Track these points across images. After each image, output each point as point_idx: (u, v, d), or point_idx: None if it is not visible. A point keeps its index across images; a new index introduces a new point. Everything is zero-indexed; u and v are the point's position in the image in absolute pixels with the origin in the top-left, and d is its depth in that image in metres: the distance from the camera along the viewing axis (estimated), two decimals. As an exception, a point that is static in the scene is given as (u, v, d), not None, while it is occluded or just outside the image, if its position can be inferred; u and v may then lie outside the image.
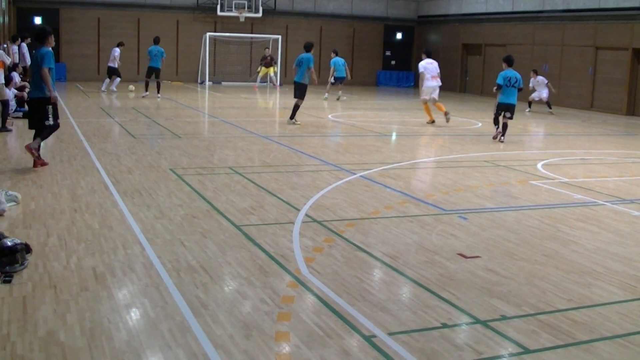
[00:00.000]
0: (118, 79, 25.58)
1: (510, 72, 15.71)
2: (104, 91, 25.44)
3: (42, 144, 10.86)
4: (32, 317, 4.93)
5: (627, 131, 20.19)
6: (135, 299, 5.39)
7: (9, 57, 20.68)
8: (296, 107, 17.77)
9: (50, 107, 10.31)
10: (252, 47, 33.96)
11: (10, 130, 14.29)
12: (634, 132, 19.78)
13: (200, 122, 18.22)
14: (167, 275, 5.90)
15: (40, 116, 10.35)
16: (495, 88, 15.97)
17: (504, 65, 15.99)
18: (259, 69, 31.21)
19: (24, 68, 21.33)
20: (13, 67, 18.64)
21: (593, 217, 8.73)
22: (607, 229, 8.15)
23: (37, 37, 10.38)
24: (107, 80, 25.67)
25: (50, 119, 10.36)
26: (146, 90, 24.00)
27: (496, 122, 16.04)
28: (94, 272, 5.92)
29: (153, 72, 23.73)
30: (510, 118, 15.87)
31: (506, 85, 15.62)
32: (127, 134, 14.70)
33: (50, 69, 10.16)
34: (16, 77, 17.71)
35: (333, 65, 26.06)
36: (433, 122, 19.01)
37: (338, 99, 26.12)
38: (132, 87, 26.81)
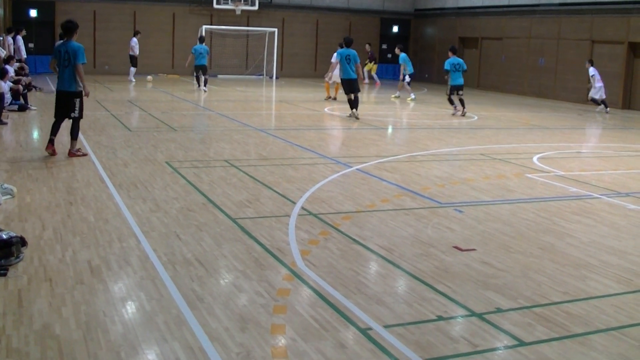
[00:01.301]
0: (133, 69, 27.47)
1: (455, 59, 19.23)
2: (132, 81, 27.29)
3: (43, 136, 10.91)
4: (28, 310, 4.92)
5: (623, 125, 20.21)
6: (130, 292, 5.39)
7: (4, 49, 20.65)
8: (357, 100, 17.86)
9: (78, 100, 10.91)
10: (248, 40, 33.89)
11: (5, 124, 14.25)
12: (630, 126, 19.80)
13: (196, 115, 18.18)
14: (163, 268, 5.90)
15: (68, 109, 10.91)
16: (445, 74, 19.36)
17: (449, 53, 19.54)
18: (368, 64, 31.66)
19: (19, 61, 21.27)
20: (8, 59, 18.58)
21: (588, 211, 8.74)
22: (602, 222, 8.16)
23: (66, 30, 10.77)
24: (133, 69, 27.56)
25: (77, 111, 10.96)
26: (199, 85, 25.10)
27: (451, 101, 19.68)
28: (90, 265, 5.92)
29: (200, 70, 24.56)
30: (462, 94, 19.53)
31: (453, 70, 19.05)
32: (123, 127, 14.67)
33: (84, 63, 10.77)
34: (11, 70, 17.64)
35: (403, 61, 24.07)
36: (333, 98, 21.89)
37: (398, 97, 25.22)
38: (150, 77, 28.43)
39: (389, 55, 37.51)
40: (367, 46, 31.96)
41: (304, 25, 34.96)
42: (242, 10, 32.67)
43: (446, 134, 15.77)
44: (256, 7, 32.77)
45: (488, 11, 31.64)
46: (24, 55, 22.61)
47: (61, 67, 10.69)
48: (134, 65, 27.28)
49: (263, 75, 33.31)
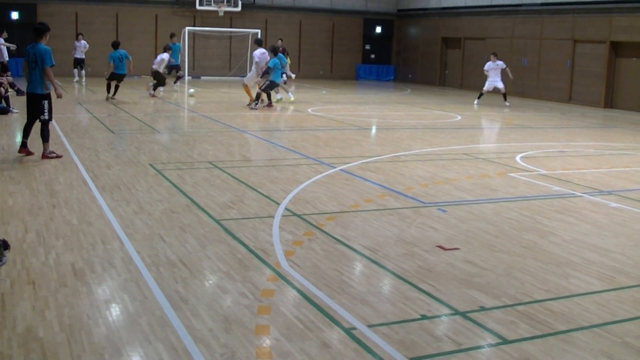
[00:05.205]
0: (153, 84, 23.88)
1: (280, 58, 20.00)
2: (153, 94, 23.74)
3: (23, 139, 10.91)
4: (11, 314, 4.89)
5: (605, 124, 20.36)
6: (114, 294, 5.37)
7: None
8: (117, 88, 21.00)
9: (46, 102, 10.89)
10: (231, 42, 33.84)
11: (-13, 126, 14.15)
12: (612, 125, 19.96)
13: (179, 117, 18.14)
14: (147, 270, 5.88)
15: (37, 111, 10.89)
16: (269, 71, 19.80)
17: (271, 54, 20.05)
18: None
19: (1, 63, 21.11)
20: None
21: (571, 209, 8.80)
22: (584, 221, 8.22)
23: (36, 32, 10.80)
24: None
25: (46, 113, 10.93)
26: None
27: (259, 95, 19.95)
28: (73, 268, 5.89)
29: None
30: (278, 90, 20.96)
31: (276, 68, 19.73)
32: (106, 129, 14.60)
33: (52, 66, 10.76)
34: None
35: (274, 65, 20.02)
36: (269, 103, 20.80)
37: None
38: (192, 90, 25.13)
39: (373, 56, 37.61)
40: (279, 41, 28.32)
41: (287, 26, 34.94)
42: (225, 12, 32.61)
43: (429, 134, 15.82)
44: (239, 8, 32.72)
45: (471, 11, 31.79)
46: (5, 57, 22.44)
47: (29, 69, 10.74)
48: (160, 83, 22.77)
49: (246, 76, 33.21)
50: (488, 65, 23.64)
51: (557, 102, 26.45)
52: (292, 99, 22.33)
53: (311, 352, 4.47)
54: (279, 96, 22.26)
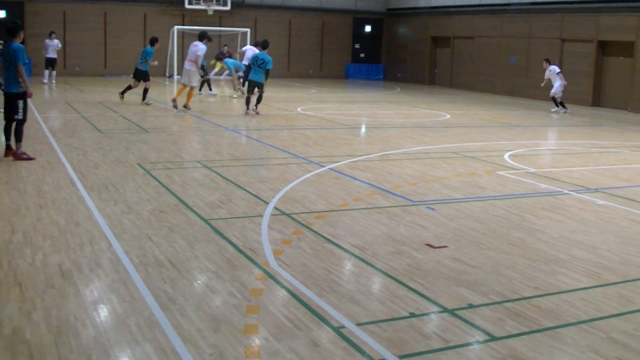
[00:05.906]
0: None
1: (262, 54, 17.55)
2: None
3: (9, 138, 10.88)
4: (-3, 315, 4.88)
5: (593, 122, 20.45)
6: (102, 295, 5.35)
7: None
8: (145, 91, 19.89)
9: (20, 101, 10.70)
10: (220, 41, 33.75)
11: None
12: (599, 123, 20.04)
13: (168, 116, 18.07)
14: (135, 271, 5.87)
15: (12, 110, 10.72)
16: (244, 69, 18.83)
17: (258, 48, 18.57)
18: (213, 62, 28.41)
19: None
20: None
21: (558, 206, 8.84)
22: (572, 218, 8.26)
23: (9, 31, 10.62)
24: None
25: (20, 113, 10.74)
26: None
27: (248, 100, 17.96)
28: (60, 269, 5.87)
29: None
30: (262, 91, 17.95)
31: (253, 63, 17.65)
32: (94, 128, 14.54)
33: (24, 64, 10.55)
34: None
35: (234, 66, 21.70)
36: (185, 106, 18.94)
37: None
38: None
39: (362, 55, 37.63)
40: (225, 47, 28.72)
41: (276, 25, 34.94)
42: (214, 11, 32.56)
43: (418, 133, 15.85)
44: (228, 7, 32.67)
45: (460, 10, 31.86)
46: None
47: (5, 68, 10.62)
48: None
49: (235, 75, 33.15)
50: (546, 73, 22.46)
51: (545, 101, 26.51)
52: (215, 94, 23.30)
53: (300, 351, 4.47)
54: (212, 91, 23.45)
